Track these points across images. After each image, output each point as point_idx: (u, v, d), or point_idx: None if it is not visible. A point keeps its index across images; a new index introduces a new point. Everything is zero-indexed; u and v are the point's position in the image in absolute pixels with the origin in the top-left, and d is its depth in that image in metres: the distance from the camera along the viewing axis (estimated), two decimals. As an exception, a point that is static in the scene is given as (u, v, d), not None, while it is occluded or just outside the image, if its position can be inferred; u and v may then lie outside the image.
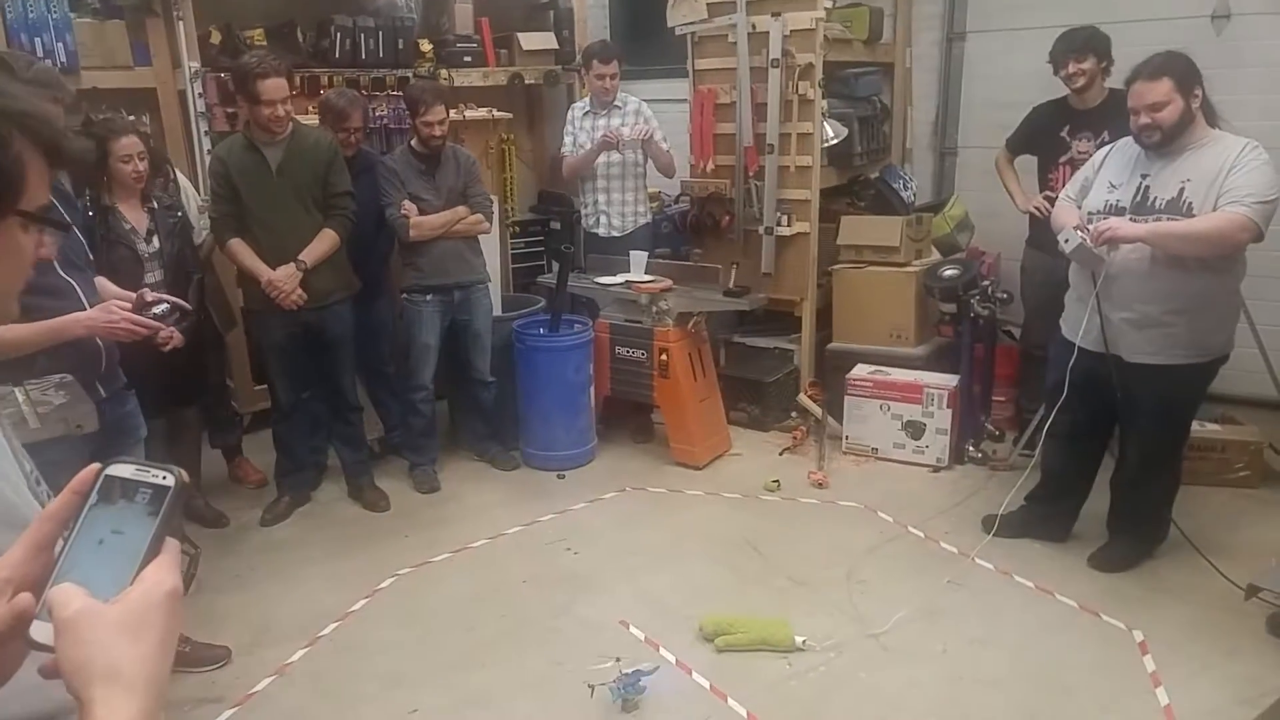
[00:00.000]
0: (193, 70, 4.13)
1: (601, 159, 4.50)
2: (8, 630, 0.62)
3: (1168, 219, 2.83)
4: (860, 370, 4.27)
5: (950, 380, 4.10)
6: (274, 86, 3.31)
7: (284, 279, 3.42)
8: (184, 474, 0.67)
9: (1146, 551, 3.24)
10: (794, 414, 4.54)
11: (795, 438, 4.34)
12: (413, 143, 3.89)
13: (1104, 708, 2.56)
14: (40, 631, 0.62)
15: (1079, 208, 3.08)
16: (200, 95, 4.16)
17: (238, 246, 3.46)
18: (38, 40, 4.03)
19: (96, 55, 4.17)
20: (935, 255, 4.60)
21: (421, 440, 4.07)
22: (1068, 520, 3.40)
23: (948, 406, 4.05)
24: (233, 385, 4.25)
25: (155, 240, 3.25)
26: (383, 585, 3.26)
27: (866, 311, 4.47)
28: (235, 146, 3.47)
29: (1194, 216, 2.79)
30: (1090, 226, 2.92)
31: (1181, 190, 2.83)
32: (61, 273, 2.25)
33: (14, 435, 0.90)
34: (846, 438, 4.28)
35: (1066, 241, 2.94)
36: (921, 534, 3.54)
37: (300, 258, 3.45)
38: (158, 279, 3.21)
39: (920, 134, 5.33)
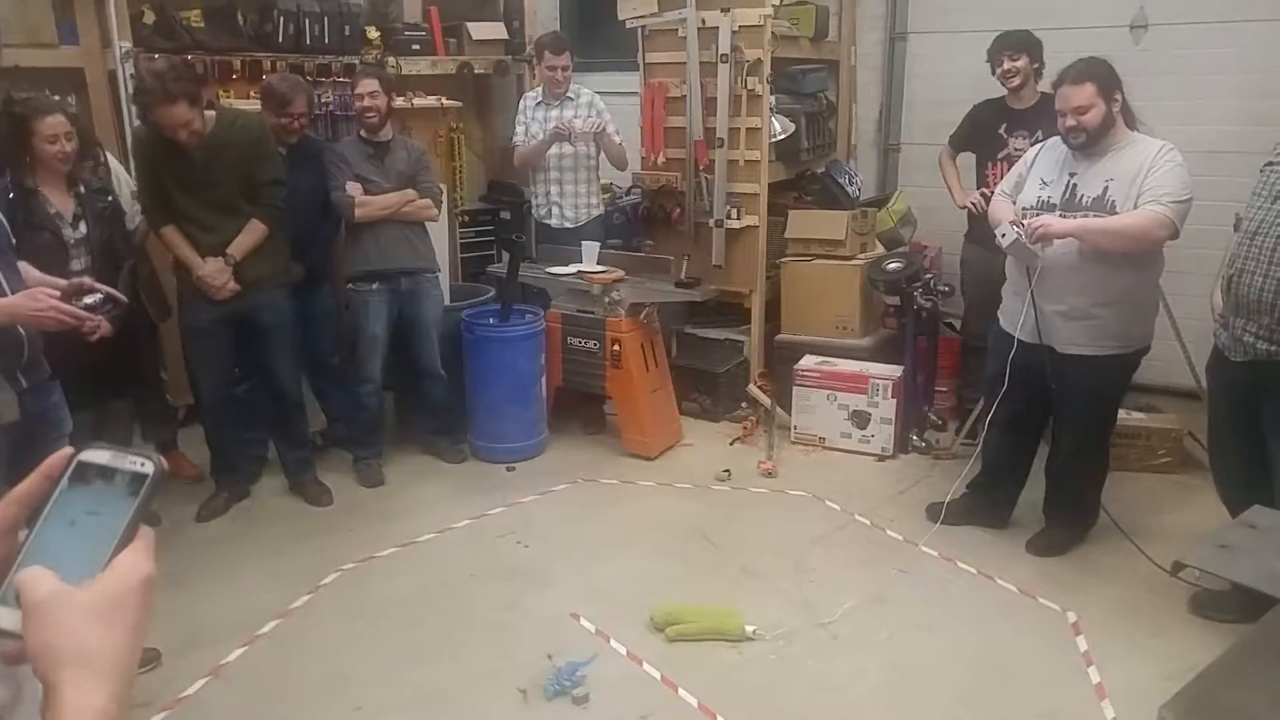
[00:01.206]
0: (123, 50, 3.97)
1: (554, 150, 4.47)
2: None
3: (1094, 215, 2.97)
4: (808, 361, 4.33)
5: (894, 371, 4.19)
6: (171, 117, 3.10)
7: (213, 274, 3.33)
8: (164, 462, 0.66)
9: (1080, 536, 3.36)
10: (744, 404, 4.58)
11: (745, 428, 4.38)
12: (361, 131, 3.82)
13: (1042, 687, 2.64)
14: (3, 617, 0.60)
15: (1014, 203, 3.19)
16: (132, 77, 4.00)
17: (171, 235, 3.36)
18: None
19: (19, 31, 3.98)
20: (879, 249, 4.69)
21: (367, 434, 4.00)
22: (1007, 507, 3.51)
23: (892, 396, 4.13)
24: (167, 377, 4.11)
25: (82, 226, 3.13)
26: (326, 581, 3.20)
27: (813, 303, 4.53)
28: (155, 135, 3.29)
29: (1117, 214, 2.93)
30: (1025, 222, 3.03)
31: (1105, 189, 2.97)
32: None
33: None
34: (795, 428, 4.34)
35: (1003, 237, 3.04)
36: (868, 522, 3.60)
37: (228, 251, 3.36)
38: (84, 265, 3.10)
39: (864, 130, 5.43)
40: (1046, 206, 3.07)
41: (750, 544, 3.45)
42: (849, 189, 4.86)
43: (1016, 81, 3.92)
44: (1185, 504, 3.68)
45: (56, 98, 4.09)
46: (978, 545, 3.40)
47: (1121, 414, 3.48)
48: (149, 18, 4.13)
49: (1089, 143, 2.98)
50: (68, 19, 4.07)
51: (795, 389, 4.30)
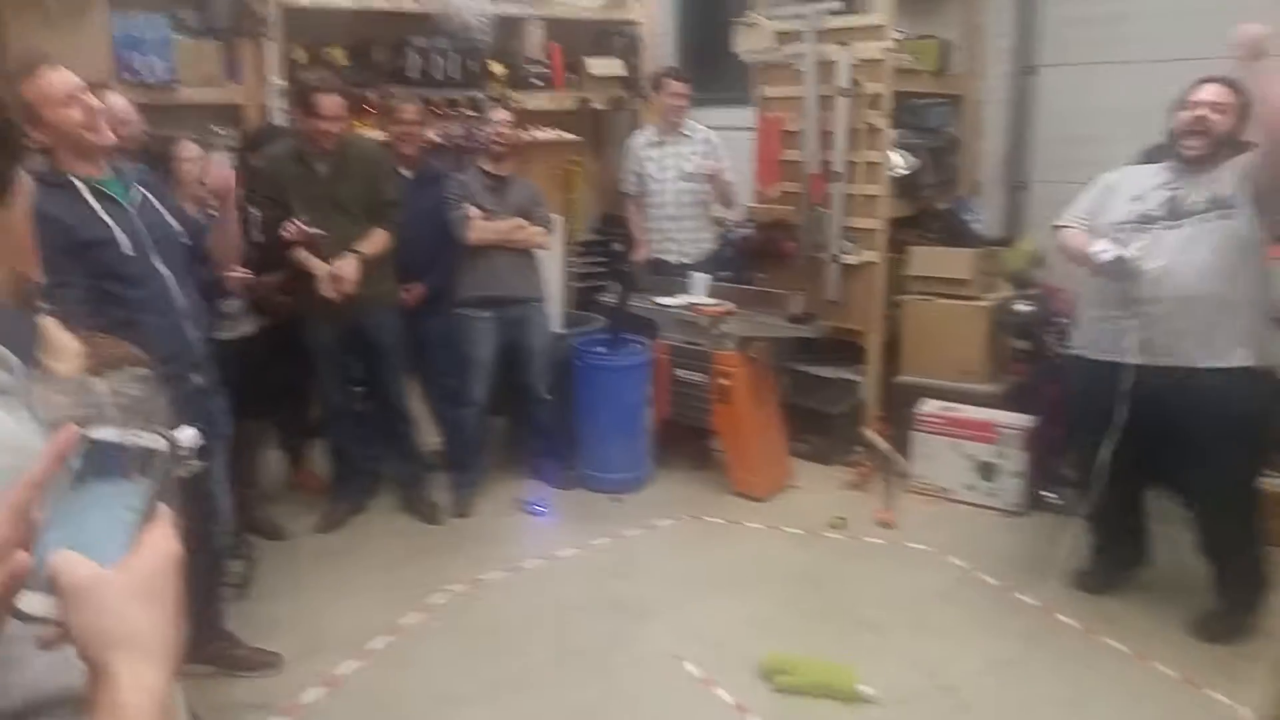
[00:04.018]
0: (276, 86, 4.22)
1: (671, 188, 4.49)
2: (2, 593, 0.59)
3: (1215, 218, 2.71)
4: (929, 405, 4.11)
5: (1025, 420, 3.92)
6: (330, 104, 3.35)
7: (343, 267, 3.39)
8: (176, 437, 0.64)
9: (1251, 616, 2.97)
10: (859, 448, 4.39)
11: (860, 473, 4.19)
12: (485, 165, 3.91)
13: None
14: (37, 603, 0.59)
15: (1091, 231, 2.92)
16: (284, 111, 4.23)
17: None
18: (141, 56, 4.14)
19: (193, 72, 4.28)
20: (1008, 290, 4.45)
21: (464, 458, 4.00)
22: (1132, 567, 3.19)
23: (1022, 448, 3.87)
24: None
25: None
26: (435, 601, 3.19)
27: (936, 345, 4.32)
28: (283, 154, 3.51)
29: (1235, 209, 2.68)
30: (1121, 239, 2.78)
31: (1214, 192, 2.74)
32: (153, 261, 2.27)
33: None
34: (914, 476, 4.11)
35: (1103, 253, 2.74)
36: (996, 582, 3.34)
37: (357, 248, 3.43)
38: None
39: (990, 167, 5.21)
40: (1146, 219, 2.80)
41: (865, 597, 3.25)
42: (975, 226, 4.65)
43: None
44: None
45: (219, 131, 4.37)
46: (1125, 618, 3.06)
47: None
48: (300, 56, 4.37)
49: (1205, 152, 2.74)
50: (233, 58, 4.36)
51: (915, 435, 4.08)
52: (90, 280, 2.17)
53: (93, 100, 2.21)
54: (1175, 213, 2.78)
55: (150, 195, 2.38)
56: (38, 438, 0.78)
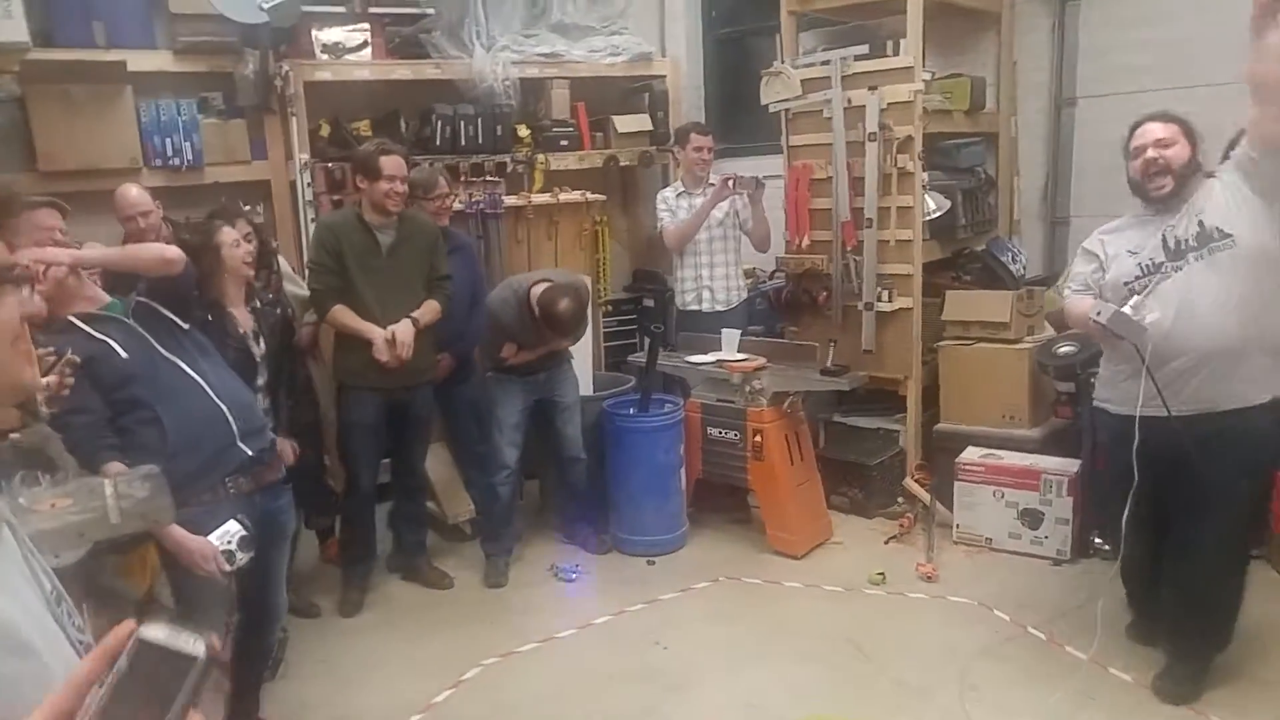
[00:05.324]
0: (303, 161, 4.34)
1: (703, 240, 4.47)
2: None
3: (1208, 252, 2.63)
4: (971, 453, 4.01)
5: (1071, 465, 3.80)
6: (394, 163, 3.44)
7: (403, 332, 3.41)
8: (215, 643, 0.66)
9: (1208, 662, 2.87)
10: (900, 500, 4.29)
11: (902, 525, 4.09)
12: (529, 296, 3.76)
13: None
14: None
15: (1095, 295, 2.86)
16: (309, 185, 4.35)
17: (342, 312, 3.45)
18: (169, 141, 4.33)
19: (220, 152, 4.45)
20: (1049, 331, 4.33)
21: (498, 527, 3.97)
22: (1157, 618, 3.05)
23: (1068, 494, 3.74)
24: (330, 463, 4.30)
25: (261, 342, 3.23)
26: (468, 676, 3.17)
27: (976, 391, 4.21)
28: (347, 223, 3.52)
29: (1232, 235, 2.61)
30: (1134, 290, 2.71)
31: (1202, 223, 2.65)
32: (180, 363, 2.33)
33: (40, 549, 0.87)
34: (957, 526, 4.00)
35: (1099, 315, 2.65)
36: (1043, 636, 3.23)
37: (414, 315, 3.46)
38: (264, 380, 3.26)
39: (1028, 204, 5.10)
40: (1152, 269, 2.72)
41: (907, 655, 3.15)
42: (1012, 266, 4.56)
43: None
44: None
45: (246, 208, 4.52)
46: (1179, 670, 2.94)
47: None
48: (325, 130, 4.50)
49: (1174, 186, 2.68)
50: (259, 136, 4.53)
51: (957, 484, 3.97)
52: (107, 397, 2.23)
53: (65, 251, 2.31)
54: (1176, 254, 2.71)
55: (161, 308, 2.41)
56: (38, 631, 0.79)
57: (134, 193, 3.62)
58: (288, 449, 2.93)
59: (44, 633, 0.78)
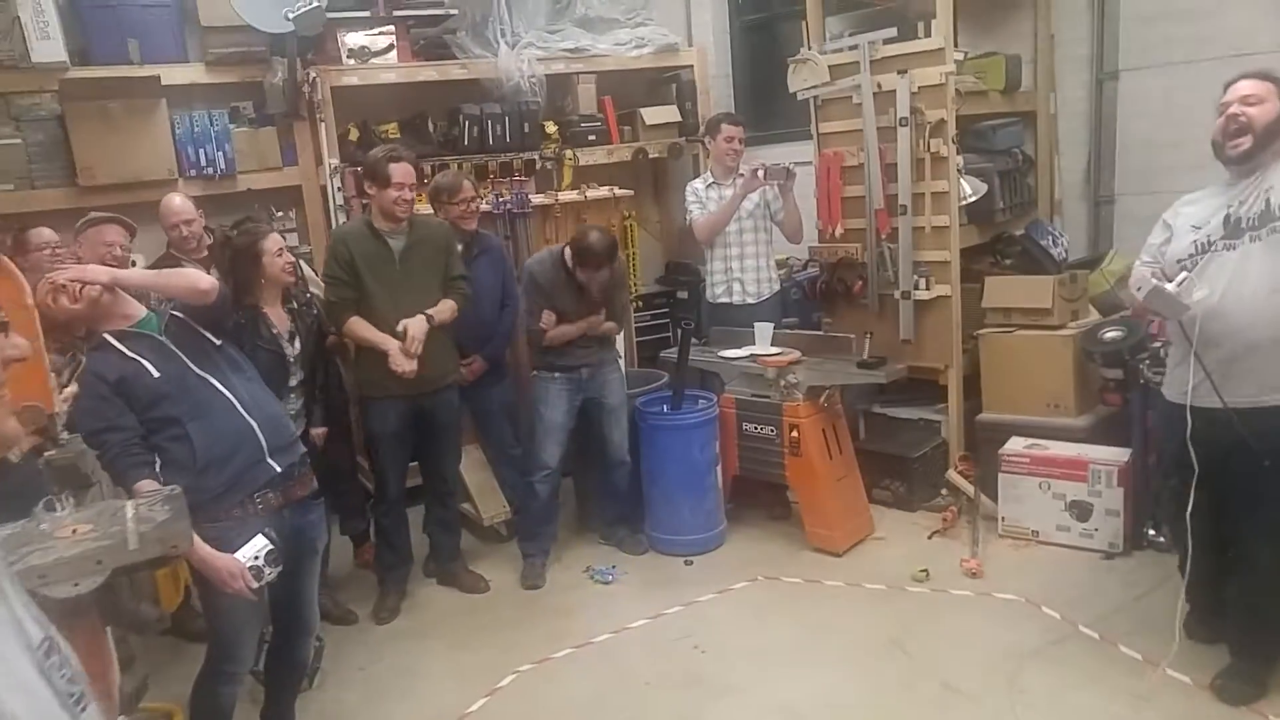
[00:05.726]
0: (333, 166, 4.36)
1: (734, 231, 4.39)
2: None
3: (1268, 233, 2.51)
4: (1015, 444, 3.89)
5: (1121, 455, 3.66)
6: (403, 170, 3.41)
7: (415, 326, 3.35)
8: None
9: (1268, 671, 2.74)
10: (943, 492, 4.18)
11: (945, 519, 3.99)
12: (565, 253, 3.78)
13: None
14: None
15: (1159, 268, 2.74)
16: (339, 189, 4.37)
17: (358, 324, 3.43)
18: (202, 151, 4.40)
19: (252, 159, 4.52)
20: (1095, 316, 4.18)
21: (536, 527, 3.94)
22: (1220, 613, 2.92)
23: (1118, 484, 3.61)
24: (364, 463, 4.30)
25: (296, 342, 3.27)
26: (503, 684, 3.15)
27: (1019, 379, 4.09)
28: (358, 232, 3.51)
29: None
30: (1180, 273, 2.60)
31: (1269, 201, 2.52)
32: (204, 374, 2.34)
33: (60, 578, 0.85)
34: (1003, 519, 3.89)
35: (1139, 290, 2.59)
36: (1096, 635, 3.11)
37: (429, 313, 3.42)
38: (299, 380, 3.29)
39: (1070, 184, 4.93)
40: (1205, 247, 2.61)
41: (953, 657, 3.07)
42: (1053, 250, 4.41)
43: None
44: None
45: (279, 214, 4.57)
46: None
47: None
48: (354, 134, 4.52)
49: (1253, 148, 2.54)
50: (289, 143, 4.57)
51: (1001, 475, 3.86)
52: (139, 416, 2.25)
53: (104, 270, 2.36)
54: (1232, 231, 2.59)
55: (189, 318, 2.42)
56: (22, 693, 0.77)
57: (177, 201, 3.72)
58: (319, 436, 2.96)
59: (26, 693, 0.76)
